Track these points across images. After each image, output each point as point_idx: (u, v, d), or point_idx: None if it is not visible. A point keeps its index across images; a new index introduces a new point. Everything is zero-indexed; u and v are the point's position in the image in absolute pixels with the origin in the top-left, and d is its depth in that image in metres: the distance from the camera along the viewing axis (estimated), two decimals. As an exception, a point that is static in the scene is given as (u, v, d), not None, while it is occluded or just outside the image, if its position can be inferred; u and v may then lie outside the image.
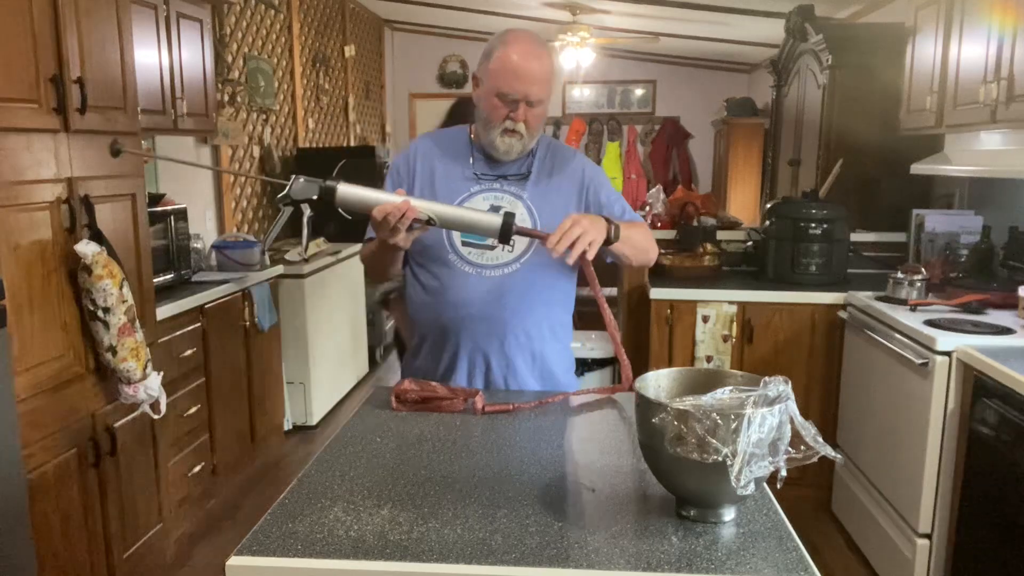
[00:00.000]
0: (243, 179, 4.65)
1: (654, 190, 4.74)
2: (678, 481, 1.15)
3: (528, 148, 1.79)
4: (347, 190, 1.56)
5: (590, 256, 1.59)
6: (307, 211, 1.58)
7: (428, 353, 1.84)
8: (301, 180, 1.55)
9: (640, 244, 1.81)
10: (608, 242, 1.66)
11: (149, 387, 2.42)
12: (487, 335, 1.77)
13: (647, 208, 4.51)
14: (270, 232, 1.70)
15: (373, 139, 7.33)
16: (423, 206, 1.56)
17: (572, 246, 1.55)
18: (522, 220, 1.76)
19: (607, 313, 1.72)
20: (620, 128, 8.26)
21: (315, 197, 1.55)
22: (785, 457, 1.09)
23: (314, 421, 4.33)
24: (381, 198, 1.56)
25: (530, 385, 1.82)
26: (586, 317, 5.61)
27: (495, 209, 1.76)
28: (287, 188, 1.55)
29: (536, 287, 1.78)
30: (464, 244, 1.77)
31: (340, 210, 1.61)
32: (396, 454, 1.40)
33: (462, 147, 1.84)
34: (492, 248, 1.75)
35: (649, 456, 1.17)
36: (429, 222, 1.57)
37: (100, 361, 2.33)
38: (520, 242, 1.75)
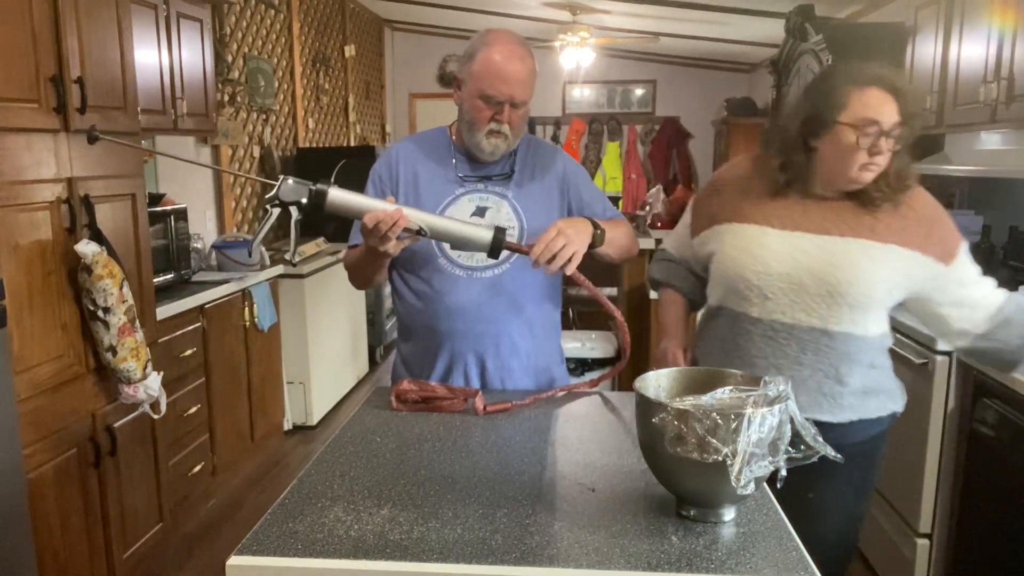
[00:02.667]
0: (243, 179, 4.65)
1: (654, 190, 4.74)
2: (678, 481, 1.15)
3: (512, 147, 1.78)
4: (338, 195, 1.51)
5: (570, 269, 1.57)
6: (295, 214, 1.51)
7: (422, 359, 1.82)
8: (290, 181, 1.49)
9: (623, 243, 1.82)
10: (592, 246, 1.65)
11: (149, 387, 2.42)
12: (482, 338, 1.76)
13: (647, 208, 4.52)
14: (257, 234, 1.61)
15: (373, 139, 7.33)
16: (415, 216, 1.54)
17: (554, 258, 1.55)
18: (508, 220, 1.75)
19: (608, 305, 1.72)
20: (620, 128, 8.26)
21: (304, 200, 1.49)
22: (785, 457, 1.09)
23: (314, 421, 4.33)
24: (373, 205, 1.52)
25: (526, 385, 1.82)
26: (585, 317, 5.61)
27: (481, 211, 1.76)
28: (275, 189, 1.49)
29: (527, 286, 1.78)
30: (453, 248, 1.76)
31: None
32: (396, 454, 1.40)
33: (443, 149, 1.83)
34: None
35: (649, 456, 1.17)
36: (420, 232, 1.54)
37: (100, 361, 2.33)
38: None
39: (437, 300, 1.76)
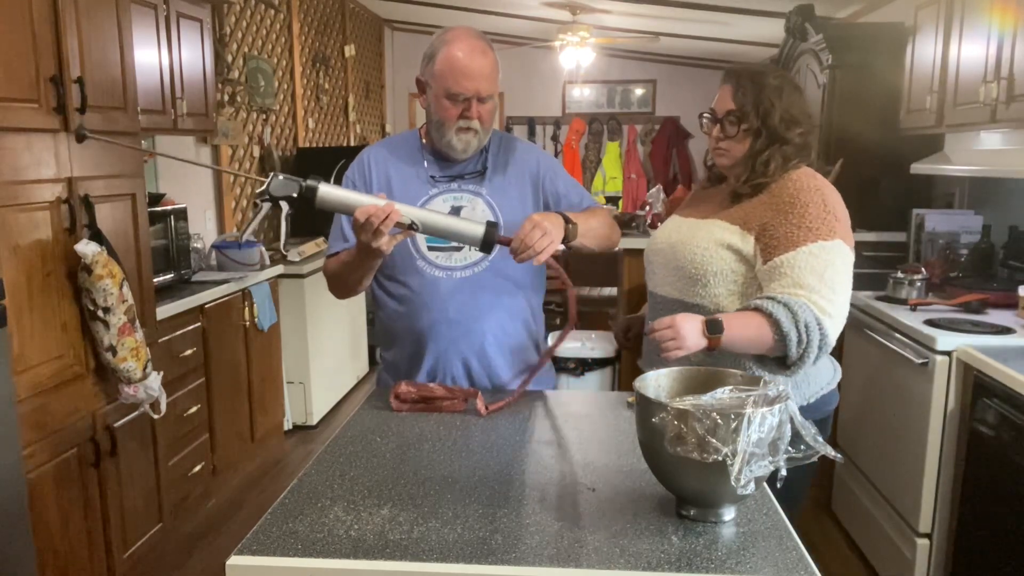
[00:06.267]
0: (243, 179, 4.65)
1: (654, 190, 4.74)
2: (678, 481, 1.15)
3: (484, 143, 1.78)
4: (328, 190, 1.53)
5: (540, 260, 1.56)
6: (285, 208, 1.53)
7: (408, 364, 1.81)
8: (280, 178, 1.51)
9: (601, 233, 1.81)
10: (566, 240, 1.64)
11: (149, 387, 2.42)
12: (466, 337, 1.76)
13: (647, 208, 4.51)
14: (246, 227, 1.64)
15: (373, 139, 7.33)
16: (406, 210, 1.54)
17: (530, 249, 1.54)
18: (484, 217, 1.75)
19: (567, 282, 1.68)
20: (620, 128, 8.25)
21: (295, 196, 1.51)
22: (785, 457, 1.09)
23: (314, 421, 4.33)
24: (363, 200, 1.53)
25: (512, 383, 1.82)
26: (585, 317, 5.59)
27: (456, 210, 1.76)
28: (265, 185, 1.51)
29: (508, 280, 1.78)
30: (430, 248, 1.75)
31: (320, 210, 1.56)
32: (396, 454, 1.40)
33: (414, 151, 1.83)
34: (459, 249, 1.74)
35: (649, 456, 1.17)
36: (412, 227, 1.54)
37: (100, 361, 2.33)
38: None
39: (416, 302, 1.76)
